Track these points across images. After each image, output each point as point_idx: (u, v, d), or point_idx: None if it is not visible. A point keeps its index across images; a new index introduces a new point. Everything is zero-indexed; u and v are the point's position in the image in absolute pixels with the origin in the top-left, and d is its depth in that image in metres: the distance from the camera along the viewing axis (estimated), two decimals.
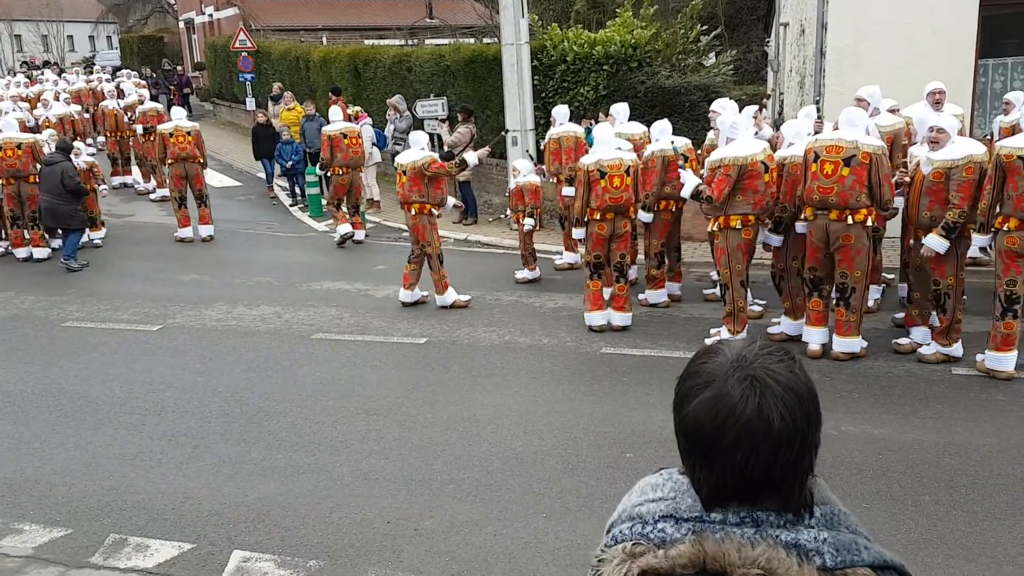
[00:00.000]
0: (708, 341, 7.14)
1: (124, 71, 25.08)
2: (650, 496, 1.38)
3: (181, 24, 34.59)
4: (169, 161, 11.99)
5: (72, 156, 10.97)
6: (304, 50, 21.50)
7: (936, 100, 7.82)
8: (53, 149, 11.01)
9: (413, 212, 8.55)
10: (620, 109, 9.51)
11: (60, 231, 11.07)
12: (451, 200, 9.23)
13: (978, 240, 6.33)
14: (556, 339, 7.65)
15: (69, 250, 10.69)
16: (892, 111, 8.05)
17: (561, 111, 10.24)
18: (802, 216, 6.77)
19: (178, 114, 12.47)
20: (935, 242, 6.34)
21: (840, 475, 4.89)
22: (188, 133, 11.93)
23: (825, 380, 6.33)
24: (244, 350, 7.63)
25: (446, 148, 12.99)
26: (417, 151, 8.65)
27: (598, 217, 7.56)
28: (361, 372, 7.07)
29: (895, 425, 5.59)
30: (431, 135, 14.39)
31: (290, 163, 14.48)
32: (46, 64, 39.32)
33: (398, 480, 5.16)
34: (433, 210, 8.58)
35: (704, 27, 14.54)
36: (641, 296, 8.58)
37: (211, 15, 29.52)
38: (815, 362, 6.67)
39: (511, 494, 4.93)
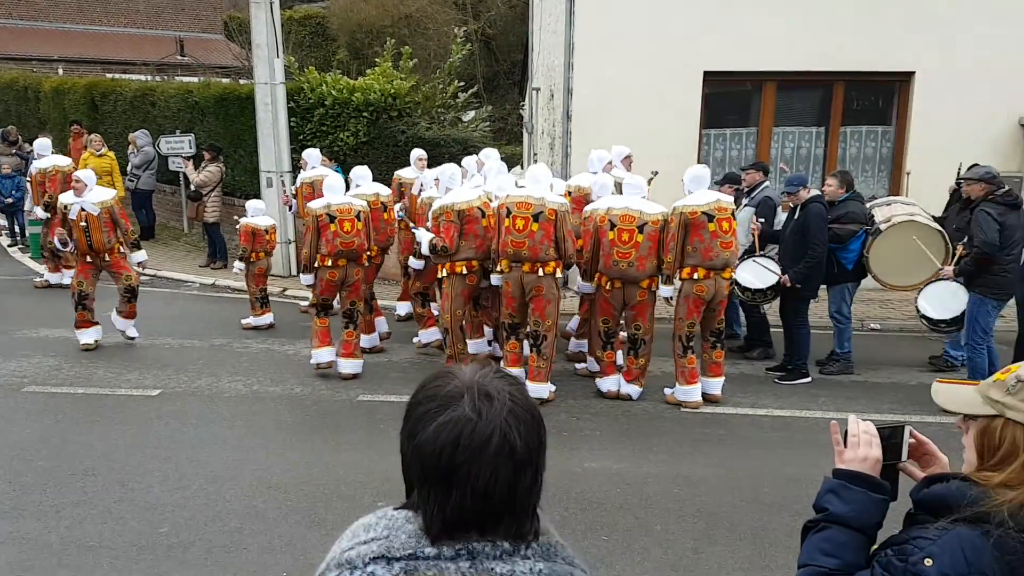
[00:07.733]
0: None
1: None
2: (361, 538, 1.29)
3: None
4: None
5: None
6: (34, 80, 19.87)
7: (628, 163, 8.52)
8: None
9: None
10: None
11: None
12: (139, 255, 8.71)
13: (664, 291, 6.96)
14: (310, 387, 7.32)
15: None
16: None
17: (312, 154, 9.94)
18: (497, 269, 7.07)
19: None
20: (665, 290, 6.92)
21: (583, 509, 5.06)
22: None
23: (572, 420, 6.59)
24: None
25: (193, 187, 12.25)
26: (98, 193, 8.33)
27: (329, 264, 7.34)
28: (80, 428, 6.31)
29: (632, 460, 5.90)
30: (177, 173, 13.58)
31: (10, 199, 12.96)
32: None
33: (117, 547, 4.59)
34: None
35: (462, 83, 15.01)
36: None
37: None
38: (564, 403, 6.92)
39: (248, 554, 4.56)
